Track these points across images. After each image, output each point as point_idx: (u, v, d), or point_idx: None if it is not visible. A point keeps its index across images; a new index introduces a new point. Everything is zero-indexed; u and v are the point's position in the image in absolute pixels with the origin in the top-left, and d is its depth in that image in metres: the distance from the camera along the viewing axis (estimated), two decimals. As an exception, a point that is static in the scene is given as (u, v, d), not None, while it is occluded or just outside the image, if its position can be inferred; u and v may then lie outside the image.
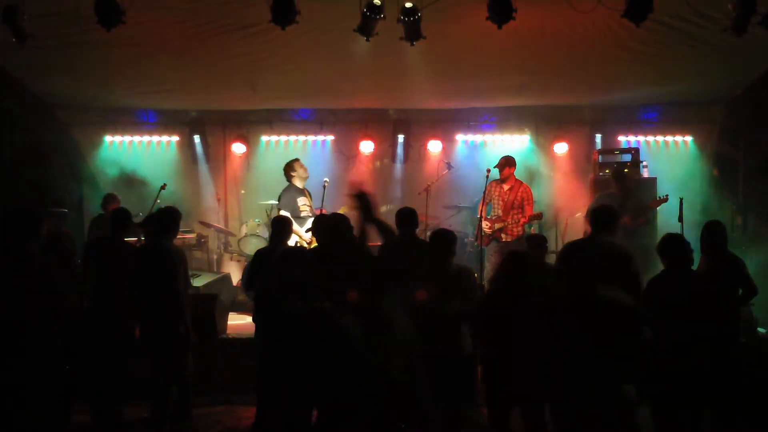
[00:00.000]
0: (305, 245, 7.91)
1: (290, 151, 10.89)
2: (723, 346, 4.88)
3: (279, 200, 8.38)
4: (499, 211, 8.58)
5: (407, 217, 6.06)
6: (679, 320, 4.77)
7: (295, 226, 7.46)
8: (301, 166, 8.55)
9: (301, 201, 8.33)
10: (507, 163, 8.67)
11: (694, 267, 5.27)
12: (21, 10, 6.20)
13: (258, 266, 6.12)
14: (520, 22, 6.04)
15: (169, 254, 5.61)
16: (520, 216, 8.45)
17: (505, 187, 8.64)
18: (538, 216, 8.63)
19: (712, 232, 5.74)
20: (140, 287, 5.62)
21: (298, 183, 8.46)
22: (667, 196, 8.37)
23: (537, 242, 6.62)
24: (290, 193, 8.34)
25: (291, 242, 7.01)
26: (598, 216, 5.70)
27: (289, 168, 8.54)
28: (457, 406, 5.35)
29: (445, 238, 5.48)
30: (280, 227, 6.27)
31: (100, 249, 6.13)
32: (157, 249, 5.67)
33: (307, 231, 7.85)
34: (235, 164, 10.98)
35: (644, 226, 8.46)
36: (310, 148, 10.84)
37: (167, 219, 5.80)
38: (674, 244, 5.01)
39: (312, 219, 7.89)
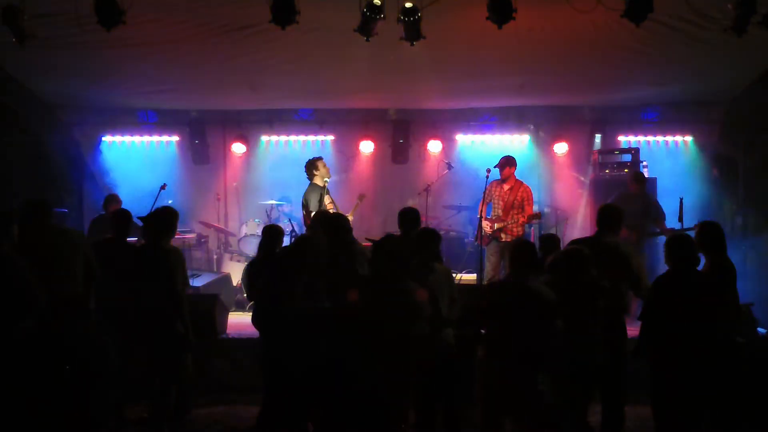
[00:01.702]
0: None
1: (290, 151, 10.91)
2: (723, 346, 4.88)
3: (305, 200, 8.31)
4: (499, 211, 8.58)
5: (409, 217, 6.05)
6: (680, 319, 4.79)
7: None
8: (324, 165, 8.54)
9: (326, 200, 8.33)
10: (507, 162, 8.67)
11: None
12: (21, 10, 6.20)
13: (253, 276, 6.10)
14: (520, 22, 6.04)
15: (167, 254, 5.60)
16: (519, 216, 8.46)
17: (506, 187, 8.64)
18: (538, 216, 8.64)
19: (713, 232, 5.69)
20: (139, 287, 5.61)
21: (318, 182, 8.43)
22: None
23: (551, 241, 6.53)
24: (315, 192, 8.29)
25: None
26: (606, 215, 5.73)
27: (311, 166, 8.50)
28: (448, 405, 5.35)
29: (429, 238, 5.43)
30: (270, 236, 6.17)
31: (102, 250, 6.12)
32: (154, 249, 5.66)
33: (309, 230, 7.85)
34: (235, 164, 10.98)
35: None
36: (310, 148, 10.84)
37: (164, 219, 5.78)
38: (680, 244, 5.02)
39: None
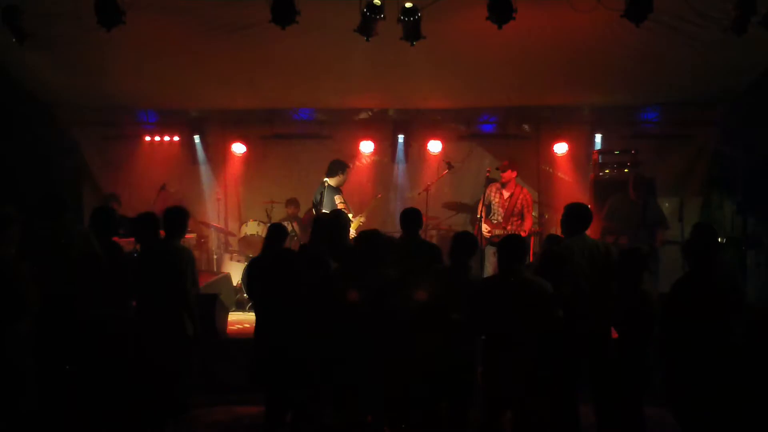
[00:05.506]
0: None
1: (290, 151, 10.90)
2: (722, 346, 4.89)
3: (318, 199, 8.38)
4: (500, 218, 8.58)
5: (411, 217, 6.05)
6: (681, 320, 4.81)
7: None
8: (347, 174, 8.70)
9: (338, 199, 8.40)
10: (509, 167, 8.67)
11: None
12: (21, 10, 6.21)
13: (254, 274, 6.10)
14: (520, 22, 6.05)
15: (177, 254, 5.58)
16: (519, 225, 8.45)
17: (506, 194, 8.62)
18: (538, 232, 8.81)
19: (709, 234, 5.68)
20: (147, 287, 5.59)
21: (332, 182, 8.52)
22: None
23: (557, 242, 6.50)
24: (329, 192, 8.41)
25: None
26: (573, 216, 5.60)
27: (337, 166, 8.62)
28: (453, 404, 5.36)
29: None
30: (275, 234, 6.15)
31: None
32: (164, 249, 5.64)
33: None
34: (235, 164, 10.98)
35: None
36: (310, 148, 10.83)
37: (175, 219, 5.76)
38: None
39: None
